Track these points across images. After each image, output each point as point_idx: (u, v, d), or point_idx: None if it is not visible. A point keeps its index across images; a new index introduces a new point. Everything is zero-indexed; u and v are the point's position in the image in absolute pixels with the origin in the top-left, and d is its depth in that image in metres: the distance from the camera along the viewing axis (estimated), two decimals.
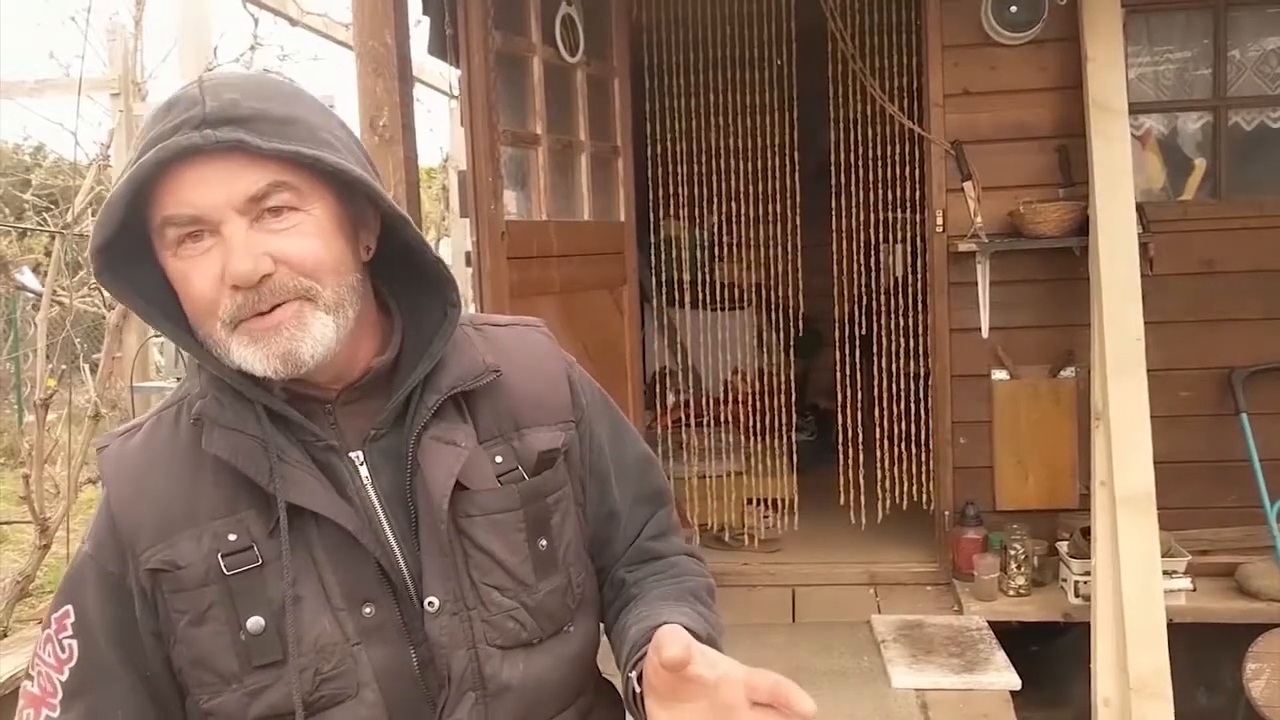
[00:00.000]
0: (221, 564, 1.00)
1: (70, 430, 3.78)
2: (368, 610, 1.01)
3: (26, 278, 5.80)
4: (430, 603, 1.02)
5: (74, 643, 1.04)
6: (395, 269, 1.09)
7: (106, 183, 4.04)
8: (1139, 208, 3.53)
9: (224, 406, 1.02)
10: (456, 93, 8.73)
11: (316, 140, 0.96)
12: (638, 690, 0.99)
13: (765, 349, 5.40)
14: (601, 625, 1.20)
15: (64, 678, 1.03)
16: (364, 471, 1.05)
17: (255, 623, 0.99)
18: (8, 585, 3.09)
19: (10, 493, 7.36)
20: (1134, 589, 3.06)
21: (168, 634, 1.02)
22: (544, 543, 1.08)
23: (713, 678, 0.86)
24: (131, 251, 0.99)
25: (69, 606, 1.05)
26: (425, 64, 5.20)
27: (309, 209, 0.97)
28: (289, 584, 0.99)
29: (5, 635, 3.15)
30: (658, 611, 1.07)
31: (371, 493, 1.05)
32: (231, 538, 1.00)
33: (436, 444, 1.04)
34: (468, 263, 3.25)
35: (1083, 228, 3.61)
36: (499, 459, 1.08)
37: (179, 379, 4.59)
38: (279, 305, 0.96)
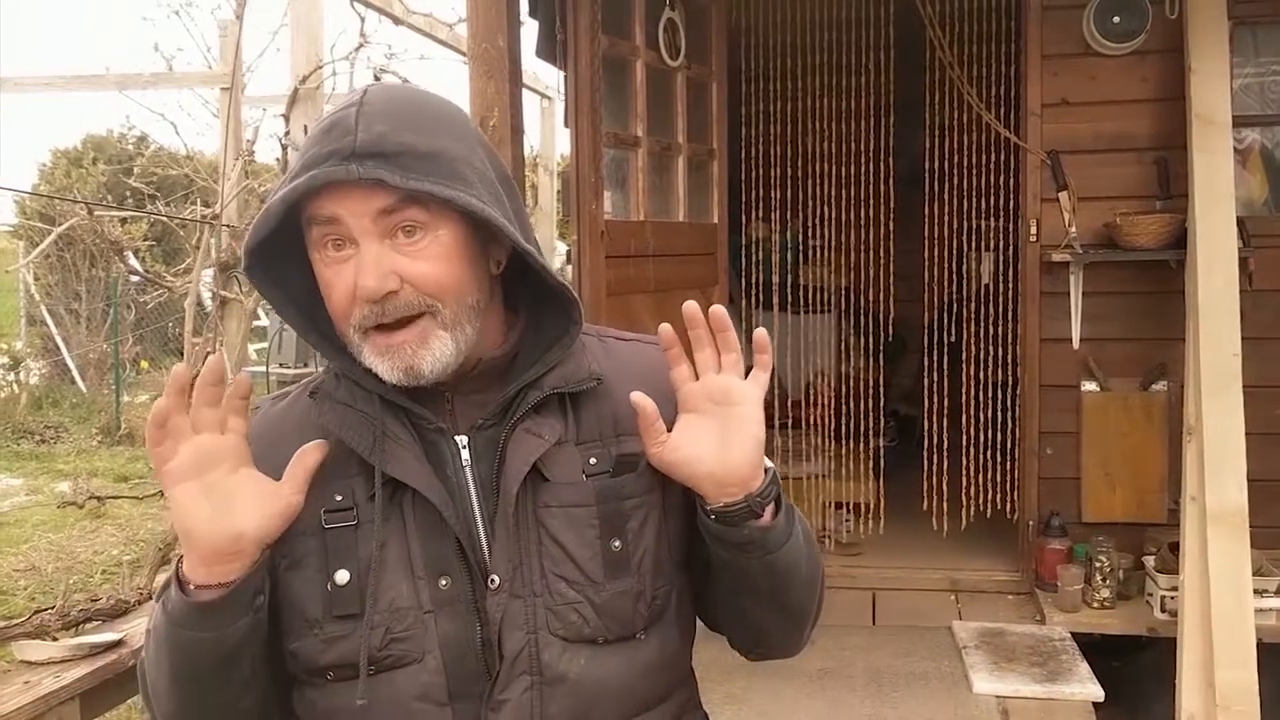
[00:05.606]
0: (323, 519, 1.10)
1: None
2: (443, 582, 1.08)
3: (132, 262, 6.08)
4: (492, 580, 1.08)
5: None
6: (529, 275, 1.17)
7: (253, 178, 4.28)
8: (1239, 222, 3.50)
9: (340, 384, 1.14)
10: (550, 93, 8.80)
11: (454, 175, 1.05)
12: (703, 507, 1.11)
13: (847, 353, 5.41)
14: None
15: None
16: (465, 455, 1.13)
17: (342, 575, 1.08)
18: (152, 551, 3.28)
19: (108, 469, 7.66)
20: (1224, 605, 3.04)
21: (273, 575, 1.12)
22: (617, 544, 1.12)
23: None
24: (281, 249, 1.11)
25: None
26: None
27: (437, 231, 1.06)
28: (376, 546, 1.08)
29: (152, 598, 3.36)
30: None
31: (468, 475, 1.12)
32: (337, 498, 1.11)
33: (525, 435, 1.12)
34: (567, 260, 3.33)
35: (1180, 241, 3.59)
36: (593, 460, 1.14)
37: (280, 364, 4.80)
38: (405, 322, 1.06)
